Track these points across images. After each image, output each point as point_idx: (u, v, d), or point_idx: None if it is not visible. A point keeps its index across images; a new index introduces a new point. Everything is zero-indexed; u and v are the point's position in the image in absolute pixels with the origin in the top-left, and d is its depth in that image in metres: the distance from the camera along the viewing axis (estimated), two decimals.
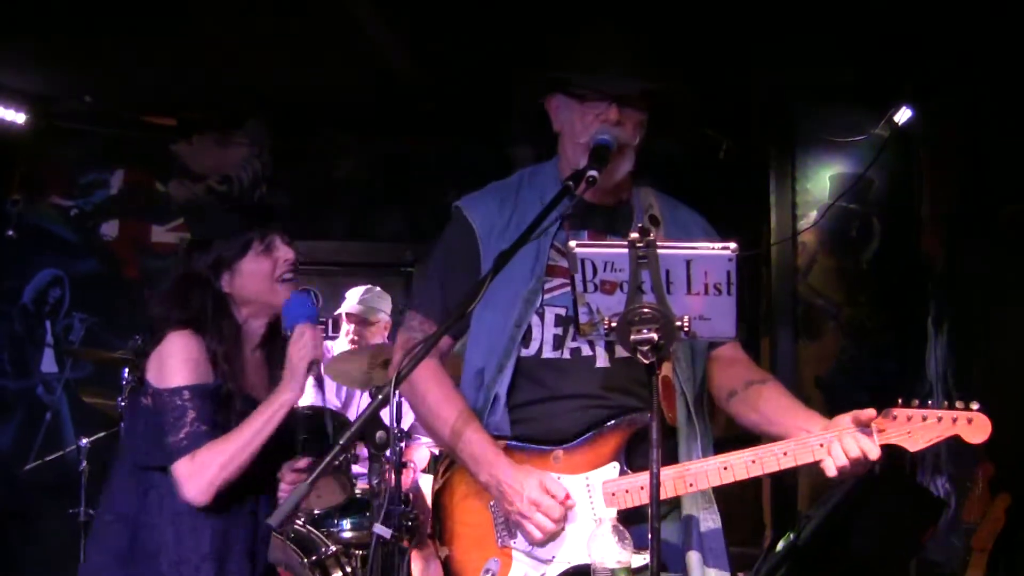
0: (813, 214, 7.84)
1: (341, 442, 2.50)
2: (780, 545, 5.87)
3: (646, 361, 2.48)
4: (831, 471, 2.83)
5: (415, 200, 8.08)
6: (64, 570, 5.25)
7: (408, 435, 6.25)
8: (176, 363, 3.35)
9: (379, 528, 2.50)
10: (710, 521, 3.11)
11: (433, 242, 7.92)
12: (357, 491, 5.89)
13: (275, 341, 3.59)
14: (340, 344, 6.84)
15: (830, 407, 2.93)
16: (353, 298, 6.85)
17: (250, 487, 3.47)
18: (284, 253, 3.54)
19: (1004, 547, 5.06)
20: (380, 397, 2.57)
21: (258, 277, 3.49)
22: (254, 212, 3.67)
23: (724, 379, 3.24)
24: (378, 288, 6.95)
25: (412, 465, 6.16)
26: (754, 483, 7.15)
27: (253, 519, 3.53)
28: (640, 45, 3.16)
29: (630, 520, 2.78)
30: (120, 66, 7.11)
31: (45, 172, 7.88)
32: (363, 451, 5.92)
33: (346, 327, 6.79)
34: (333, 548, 5.50)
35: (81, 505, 6.21)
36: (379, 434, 2.49)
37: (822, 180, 7.85)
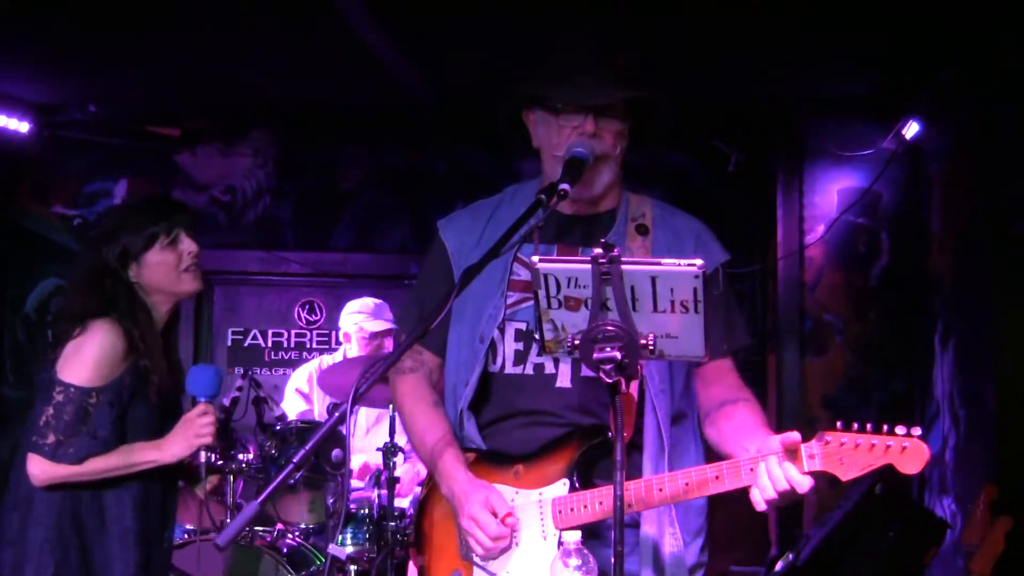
0: (820, 228, 7.77)
1: (295, 460, 2.46)
2: (779, 565, 5.80)
3: (608, 380, 2.42)
4: (759, 504, 2.69)
5: (420, 212, 8.03)
6: None
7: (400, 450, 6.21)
8: (91, 360, 3.60)
9: (334, 548, 2.44)
10: (672, 545, 3.05)
11: None
12: (352, 506, 5.85)
13: (175, 328, 3.91)
14: (339, 359, 6.79)
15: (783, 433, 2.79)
16: (375, 315, 6.76)
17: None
18: (188, 246, 3.77)
19: (1005, 572, 4.96)
20: (337, 415, 2.53)
21: (163, 268, 3.71)
22: (159, 207, 3.83)
23: (703, 398, 3.18)
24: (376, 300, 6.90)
25: (401, 481, 6.12)
26: None
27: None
28: (612, 55, 3.09)
29: (588, 538, 2.71)
30: (124, 76, 7.12)
31: (49, 182, 7.86)
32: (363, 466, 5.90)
33: (368, 345, 6.68)
34: (326, 563, 5.44)
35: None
36: (335, 452, 2.43)
37: (830, 194, 7.78)
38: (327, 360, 6.88)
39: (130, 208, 3.88)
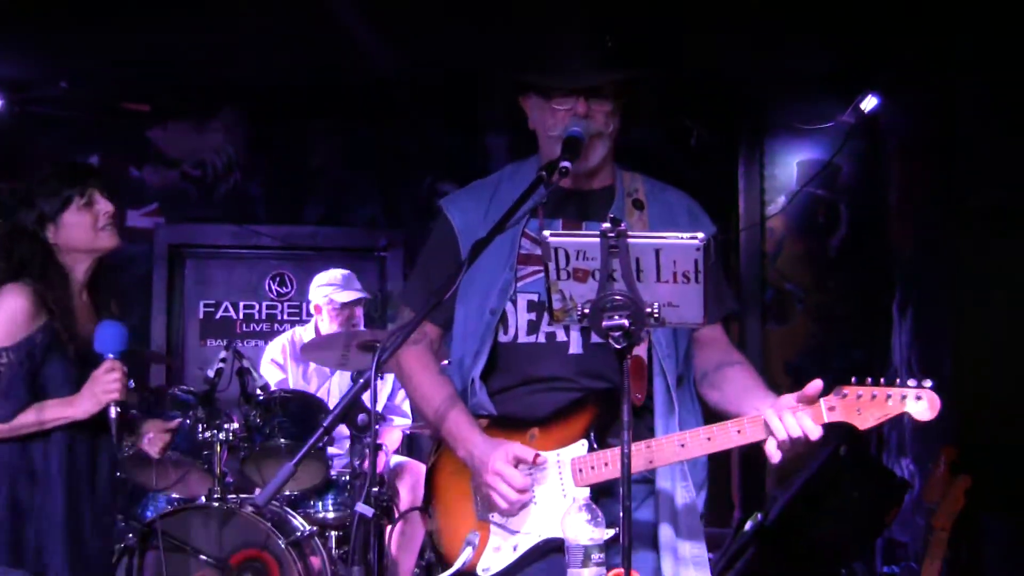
0: (781, 200, 7.97)
1: (324, 424, 2.61)
2: (748, 525, 6.00)
3: (617, 346, 2.59)
4: (774, 456, 2.90)
5: (389, 186, 8.15)
6: None
7: (382, 417, 6.36)
8: (1, 322, 3.72)
9: (361, 507, 2.59)
10: (685, 497, 3.21)
11: (407, 228, 8.03)
12: (332, 472, 6.00)
13: (97, 284, 4.00)
14: (310, 331, 6.91)
15: (798, 391, 3.00)
16: (343, 286, 6.88)
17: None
18: (104, 206, 3.88)
19: (964, 528, 5.18)
20: (362, 381, 2.68)
21: (81, 229, 3.84)
22: (73, 172, 3.94)
23: (699, 361, 3.35)
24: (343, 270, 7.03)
25: (385, 448, 6.26)
26: (723, 464, 7.34)
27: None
28: (597, 38, 3.26)
29: (602, 495, 2.88)
30: (96, 53, 7.13)
31: (20, 157, 7.88)
32: (338, 432, 6.02)
33: (339, 316, 6.81)
34: (310, 528, 5.59)
35: None
36: (360, 416, 2.59)
37: (790, 167, 7.99)
38: (299, 331, 6.99)
39: (45, 174, 3.89)
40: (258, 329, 8.25)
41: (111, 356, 3.77)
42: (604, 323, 2.60)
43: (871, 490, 5.93)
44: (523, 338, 3.25)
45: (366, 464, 3.05)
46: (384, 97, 7.73)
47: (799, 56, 7.09)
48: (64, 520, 3.78)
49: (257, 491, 5.86)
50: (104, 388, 3.73)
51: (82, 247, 3.87)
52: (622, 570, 2.57)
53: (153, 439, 4.16)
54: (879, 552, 6.99)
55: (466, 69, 7.07)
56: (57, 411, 3.76)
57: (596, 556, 2.68)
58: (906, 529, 6.74)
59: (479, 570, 3.12)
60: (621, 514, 2.57)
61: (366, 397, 2.67)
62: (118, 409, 3.73)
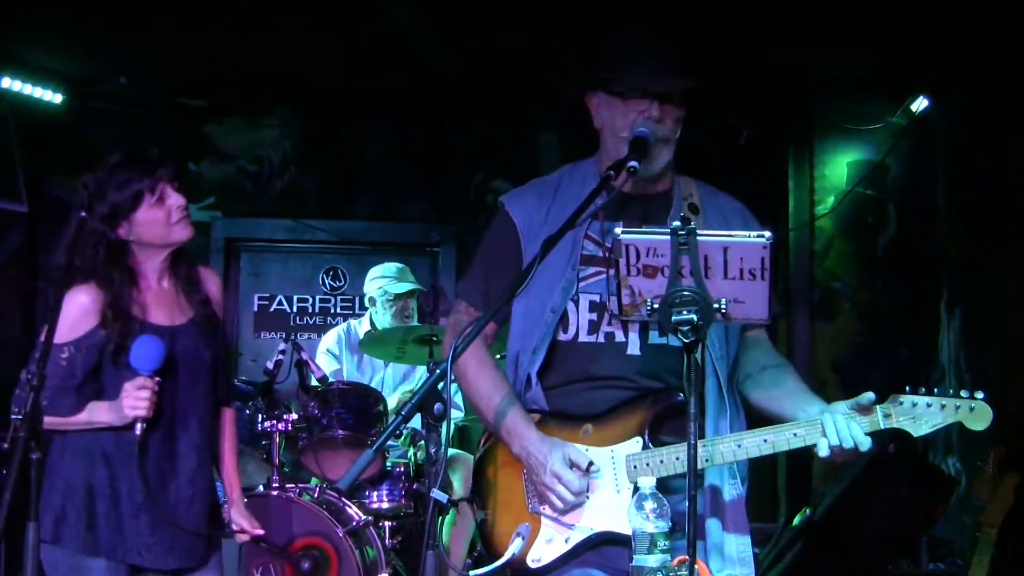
0: (830, 200, 8.02)
1: (403, 413, 2.71)
2: (796, 520, 6.06)
3: (686, 340, 2.68)
4: (823, 451, 3.01)
5: (441, 182, 8.26)
6: None
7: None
8: (63, 319, 3.65)
9: (436, 493, 2.69)
10: (733, 493, 3.29)
11: (458, 223, 8.11)
12: (388, 464, 6.11)
13: (179, 270, 3.97)
14: (365, 323, 7.03)
15: (844, 389, 3.11)
16: (398, 278, 7.01)
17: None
18: (175, 200, 3.82)
19: (1013, 525, 5.22)
20: (438, 372, 2.78)
21: (154, 225, 3.79)
22: (142, 162, 3.84)
23: (744, 362, 3.43)
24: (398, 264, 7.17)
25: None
26: (770, 461, 7.39)
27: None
28: (677, 44, 3.33)
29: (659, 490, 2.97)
30: (154, 49, 7.25)
31: (80, 152, 8.01)
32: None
33: (393, 307, 6.93)
34: (366, 518, 5.69)
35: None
36: (436, 406, 2.68)
37: (840, 167, 8.03)
38: (354, 324, 7.11)
39: (115, 163, 3.81)
40: (311, 322, 8.38)
41: (144, 373, 3.72)
42: (673, 318, 2.69)
43: (919, 487, 5.98)
44: (584, 337, 3.32)
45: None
46: (436, 95, 7.83)
47: (849, 57, 7.13)
48: (138, 508, 3.79)
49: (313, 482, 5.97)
50: (131, 404, 3.69)
51: (157, 242, 3.84)
52: (687, 556, 2.66)
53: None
54: (924, 549, 7.03)
55: (519, 67, 7.20)
56: (95, 414, 3.76)
57: (662, 544, 2.77)
58: (951, 527, 6.77)
59: (529, 560, 3.21)
60: (686, 504, 2.65)
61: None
62: (143, 425, 3.70)
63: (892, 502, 5.93)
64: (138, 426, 3.70)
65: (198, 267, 4.07)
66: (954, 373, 7.18)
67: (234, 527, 4.13)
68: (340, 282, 8.41)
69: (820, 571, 5.99)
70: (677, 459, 3.10)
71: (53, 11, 6.50)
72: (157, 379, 3.74)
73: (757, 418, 3.32)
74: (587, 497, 3.18)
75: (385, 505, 6.06)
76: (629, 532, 2.92)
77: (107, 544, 3.76)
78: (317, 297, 8.42)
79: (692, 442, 2.67)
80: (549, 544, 3.21)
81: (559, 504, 3.16)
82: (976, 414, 2.91)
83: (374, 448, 2.70)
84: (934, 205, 7.69)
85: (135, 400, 3.68)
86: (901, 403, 2.97)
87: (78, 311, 3.73)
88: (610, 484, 3.18)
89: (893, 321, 7.94)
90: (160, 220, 3.80)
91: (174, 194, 3.83)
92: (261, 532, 4.24)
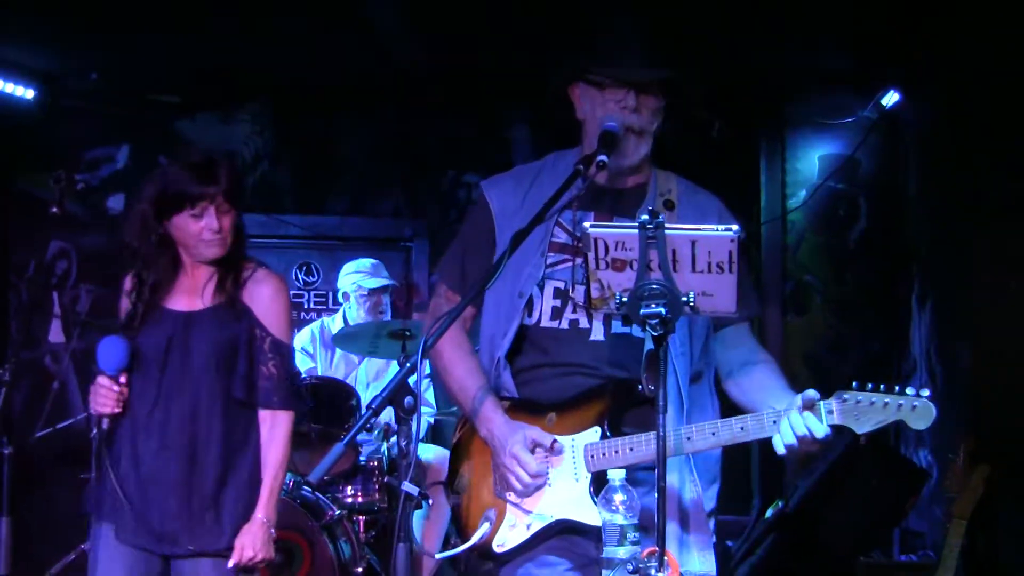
0: (802, 194, 8.05)
1: (373, 406, 2.72)
2: (769, 512, 6.09)
3: (654, 334, 2.70)
4: (779, 448, 3.03)
5: (414, 178, 8.26)
6: (77, 532, 5.49)
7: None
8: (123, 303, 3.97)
9: (407, 486, 2.70)
10: (691, 492, 3.31)
11: (431, 218, 8.11)
12: (362, 458, 6.11)
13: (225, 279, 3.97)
14: (339, 319, 7.04)
15: (817, 382, 3.10)
16: (372, 273, 7.03)
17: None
18: (210, 222, 3.81)
19: (982, 516, 5.26)
20: (408, 365, 2.80)
21: (185, 235, 3.85)
22: (206, 173, 3.85)
23: (724, 359, 3.46)
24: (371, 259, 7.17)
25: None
26: (743, 452, 7.42)
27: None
28: (655, 35, 3.36)
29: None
30: (125, 45, 7.23)
31: (52, 147, 7.99)
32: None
33: (367, 302, 6.94)
34: (340, 512, 5.70)
35: (91, 471, 6.36)
36: (407, 399, 2.69)
37: (811, 161, 8.07)
38: (327, 320, 7.12)
39: (180, 165, 3.87)
40: None
41: (108, 373, 3.81)
42: (642, 311, 2.71)
43: (890, 479, 6.02)
44: (546, 322, 3.37)
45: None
46: (408, 90, 7.83)
47: (821, 52, 7.16)
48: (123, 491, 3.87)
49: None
50: (97, 401, 3.81)
51: (187, 247, 3.90)
52: (656, 548, 2.68)
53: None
54: (896, 541, 7.08)
55: (491, 62, 7.20)
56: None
57: (632, 535, 2.80)
58: (923, 518, 6.83)
59: (494, 545, 3.26)
60: (651, 496, 2.68)
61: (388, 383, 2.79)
62: (105, 423, 3.84)
63: (863, 494, 5.97)
64: (104, 421, 3.84)
65: (259, 268, 4.08)
66: (926, 366, 7.22)
67: (235, 545, 3.86)
68: (313, 277, 8.40)
69: (793, 563, 6.03)
70: (631, 450, 3.13)
71: (24, 7, 6.46)
72: (123, 380, 3.83)
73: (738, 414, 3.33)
74: (548, 483, 3.21)
75: (359, 499, 6.07)
76: (586, 521, 2.98)
77: (108, 517, 3.93)
78: (291, 292, 8.38)
79: (661, 433, 2.70)
80: (512, 529, 3.25)
81: (517, 486, 3.19)
82: (919, 412, 2.90)
83: (344, 441, 2.72)
84: (905, 198, 7.74)
85: (101, 398, 3.81)
86: (846, 400, 2.96)
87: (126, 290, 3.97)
88: (569, 473, 3.21)
89: (865, 314, 7.98)
90: (192, 233, 3.84)
91: (213, 217, 3.82)
92: (247, 563, 3.88)
